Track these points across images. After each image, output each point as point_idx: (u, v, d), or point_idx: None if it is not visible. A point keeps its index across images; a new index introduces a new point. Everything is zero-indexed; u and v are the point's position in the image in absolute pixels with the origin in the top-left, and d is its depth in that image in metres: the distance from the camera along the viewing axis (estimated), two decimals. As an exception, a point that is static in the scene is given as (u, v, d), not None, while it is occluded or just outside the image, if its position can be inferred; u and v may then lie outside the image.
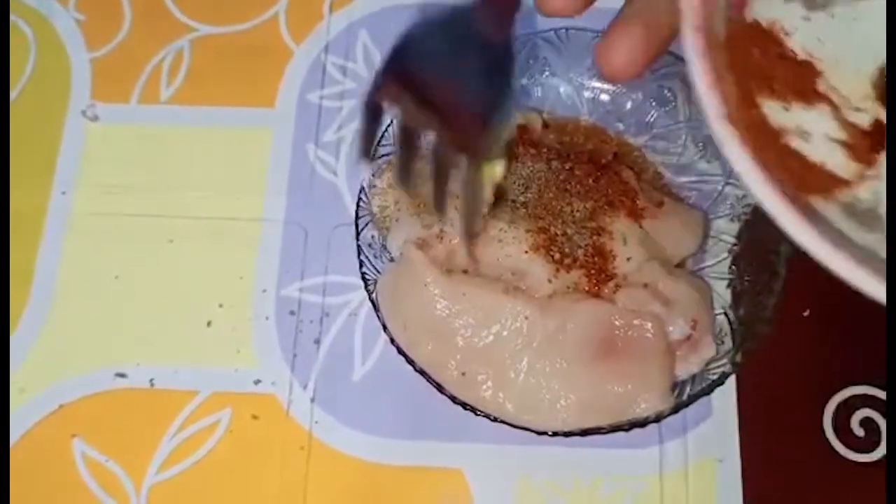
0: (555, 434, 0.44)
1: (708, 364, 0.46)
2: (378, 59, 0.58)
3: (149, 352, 0.51)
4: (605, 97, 0.54)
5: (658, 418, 0.44)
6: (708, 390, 0.44)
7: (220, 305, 0.52)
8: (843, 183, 0.39)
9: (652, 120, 0.53)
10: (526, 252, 0.47)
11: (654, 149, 0.54)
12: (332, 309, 0.52)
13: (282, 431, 0.49)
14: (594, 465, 0.48)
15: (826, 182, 0.39)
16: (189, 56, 0.59)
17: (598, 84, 0.54)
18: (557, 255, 0.47)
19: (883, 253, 0.37)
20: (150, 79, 0.58)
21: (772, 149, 0.39)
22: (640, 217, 0.49)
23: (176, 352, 0.51)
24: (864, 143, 0.41)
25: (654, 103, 0.53)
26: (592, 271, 0.47)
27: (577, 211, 0.48)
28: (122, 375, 0.51)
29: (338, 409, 0.50)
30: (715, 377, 0.44)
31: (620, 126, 0.54)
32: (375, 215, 0.50)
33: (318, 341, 0.51)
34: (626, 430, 0.44)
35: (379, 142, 0.51)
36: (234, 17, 0.60)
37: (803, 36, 0.43)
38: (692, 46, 0.35)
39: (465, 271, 0.47)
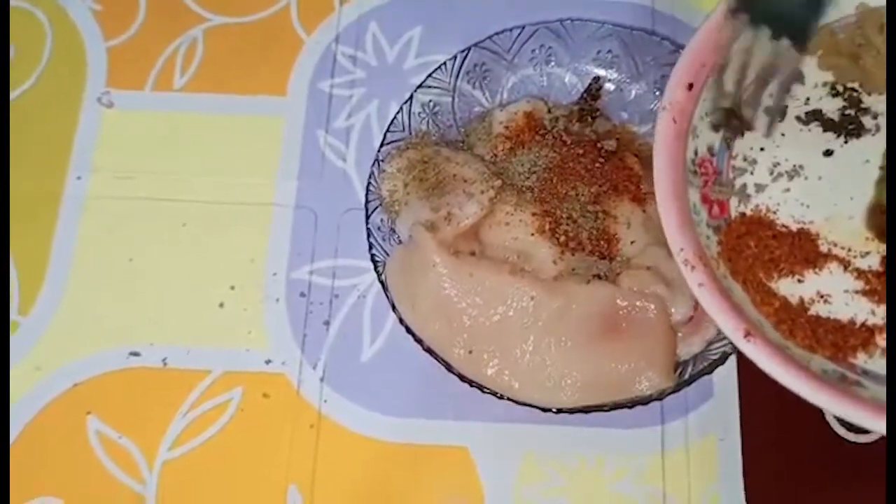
0: (559, 411, 0.46)
1: (709, 344, 0.47)
2: (387, 49, 0.59)
3: (162, 332, 0.53)
4: (609, 86, 0.55)
5: (660, 396, 0.45)
6: (709, 370, 0.45)
7: (232, 287, 0.54)
8: (878, 329, 0.39)
9: (655, 109, 0.54)
10: (532, 234, 0.48)
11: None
12: (342, 291, 0.53)
13: (292, 410, 0.50)
14: (597, 444, 0.49)
15: (862, 335, 0.40)
16: (202, 45, 0.60)
17: (601, 73, 0.55)
18: (563, 238, 0.48)
19: None
20: (165, 67, 0.59)
21: (803, 327, 0.39)
22: (644, 202, 0.50)
23: (188, 332, 0.53)
24: (882, 284, 0.41)
25: (657, 93, 0.54)
26: (597, 254, 0.48)
27: (582, 195, 0.49)
28: (135, 354, 0.52)
29: (347, 388, 0.51)
30: (716, 357, 0.45)
31: (624, 115, 0.55)
32: (384, 199, 0.51)
33: (327, 322, 0.52)
34: (629, 407, 0.45)
35: (388, 128, 0.52)
36: (246, 7, 0.61)
37: (790, 207, 0.43)
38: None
39: (473, 253, 0.49)
